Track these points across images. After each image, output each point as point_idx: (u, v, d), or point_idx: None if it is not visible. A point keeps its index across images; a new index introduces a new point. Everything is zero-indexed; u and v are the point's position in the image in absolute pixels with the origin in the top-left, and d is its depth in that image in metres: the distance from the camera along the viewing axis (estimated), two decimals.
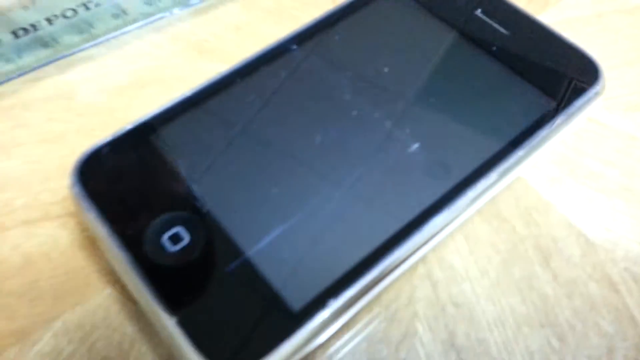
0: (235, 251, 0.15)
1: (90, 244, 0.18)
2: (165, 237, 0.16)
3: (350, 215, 0.16)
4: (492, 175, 0.17)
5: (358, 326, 0.17)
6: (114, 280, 0.17)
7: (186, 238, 0.16)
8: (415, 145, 0.17)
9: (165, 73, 0.22)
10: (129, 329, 0.17)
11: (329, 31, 0.20)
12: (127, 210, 0.16)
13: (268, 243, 0.16)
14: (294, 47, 0.19)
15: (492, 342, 0.17)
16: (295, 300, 0.15)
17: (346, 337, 0.17)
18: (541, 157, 0.19)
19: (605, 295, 0.18)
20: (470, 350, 0.17)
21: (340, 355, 0.16)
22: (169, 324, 0.14)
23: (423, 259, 0.18)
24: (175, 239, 0.16)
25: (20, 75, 0.21)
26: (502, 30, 0.20)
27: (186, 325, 0.14)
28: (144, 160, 0.17)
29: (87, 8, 0.19)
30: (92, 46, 0.22)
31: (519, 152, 0.17)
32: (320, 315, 0.14)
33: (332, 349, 0.17)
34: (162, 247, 0.15)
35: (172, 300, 0.14)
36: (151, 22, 0.22)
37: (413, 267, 0.18)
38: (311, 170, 0.17)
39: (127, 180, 0.17)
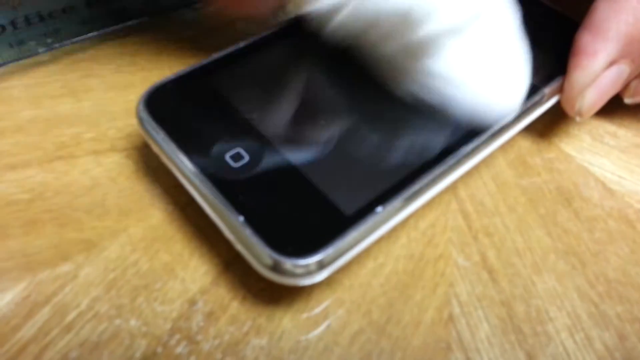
0: (289, 167, 0.17)
1: (154, 172, 0.20)
2: (228, 156, 0.18)
3: (391, 138, 0.19)
4: None
5: (398, 244, 0.19)
6: (175, 201, 0.19)
7: (246, 157, 0.18)
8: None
9: None
10: (189, 241, 0.18)
11: None
12: (192, 135, 0.18)
13: (318, 159, 0.18)
14: None
15: (522, 265, 0.18)
16: (348, 207, 0.16)
17: (384, 254, 0.18)
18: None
19: (622, 230, 0.19)
20: (501, 271, 0.18)
21: (380, 260, 0.18)
22: (237, 222, 0.16)
23: (455, 196, 0.20)
24: (237, 157, 0.18)
25: None
26: None
27: (252, 222, 0.16)
28: (203, 95, 0.19)
29: None
30: None
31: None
32: (369, 219, 0.16)
33: (372, 265, 0.18)
34: (226, 164, 0.17)
35: (238, 204, 0.16)
36: None
37: (447, 202, 0.20)
38: (352, 101, 0.20)
39: (188, 111, 0.19)
